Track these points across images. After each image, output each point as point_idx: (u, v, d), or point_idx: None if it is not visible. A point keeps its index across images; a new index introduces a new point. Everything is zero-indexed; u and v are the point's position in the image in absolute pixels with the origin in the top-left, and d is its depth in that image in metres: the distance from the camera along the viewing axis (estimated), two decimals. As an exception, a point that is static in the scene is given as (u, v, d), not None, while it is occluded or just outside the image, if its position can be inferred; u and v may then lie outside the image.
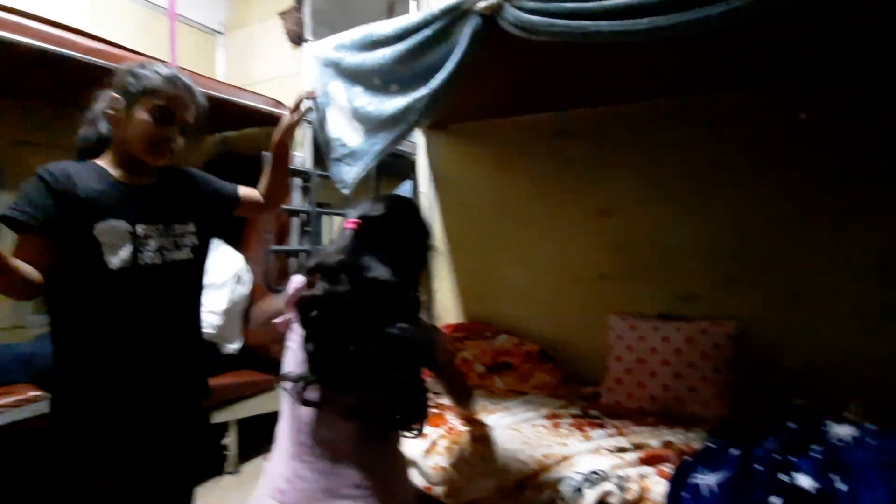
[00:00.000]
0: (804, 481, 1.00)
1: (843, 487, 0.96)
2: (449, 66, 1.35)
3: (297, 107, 1.35)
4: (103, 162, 1.05)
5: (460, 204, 2.24)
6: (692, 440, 1.36)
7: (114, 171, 1.03)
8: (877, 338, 1.48)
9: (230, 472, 2.09)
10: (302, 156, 2.42)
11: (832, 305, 1.54)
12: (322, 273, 0.90)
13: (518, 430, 1.42)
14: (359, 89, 1.60)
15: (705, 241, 1.70)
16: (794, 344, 1.57)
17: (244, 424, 2.15)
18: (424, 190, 2.32)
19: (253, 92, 2.32)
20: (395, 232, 0.96)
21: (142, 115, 1.00)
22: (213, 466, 2.07)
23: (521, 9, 1.22)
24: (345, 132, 1.61)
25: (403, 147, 2.66)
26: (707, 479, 1.06)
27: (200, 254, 1.14)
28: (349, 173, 1.58)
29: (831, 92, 1.51)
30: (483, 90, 1.75)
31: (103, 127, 1.06)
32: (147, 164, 1.05)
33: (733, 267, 1.66)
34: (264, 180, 1.33)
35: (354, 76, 1.61)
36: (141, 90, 1.01)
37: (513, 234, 2.09)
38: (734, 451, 1.09)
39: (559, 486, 1.18)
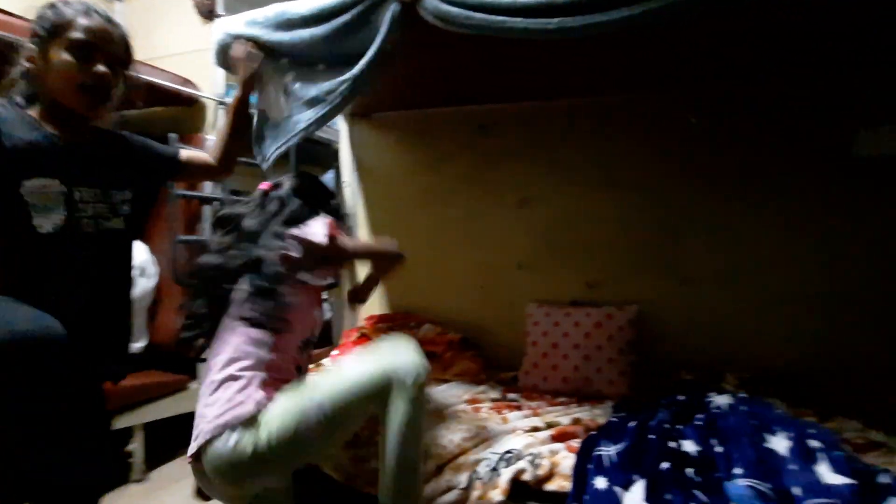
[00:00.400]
0: (689, 447, 1.12)
1: (720, 450, 1.09)
2: (371, 52, 1.32)
3: (248, 56, 1.31)
4: (35, 113, 0.91)
5: (384, 194, 2.22)
6: (598, 416, 1.48)
7: (46, 126, 0.90)
8: (749, 316, 1.69)
9: (137, 481, 1.94)
10: (213, 138, 2.27)
11: (714, 290, 1.73)
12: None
13: (439, 416, 1.45)
14: (284, 62, 1.53)
15: (610, 232, 1.84)
16: (683, 324, 1.75)
17: (152, 429, 2.00)
18: (347, 179, 2.27)
19: (156, 67, 2.13)
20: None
21: (60, 55, 0.88)
22: (118, 474, 1.91)
23: (439, -1, 1.22)
24: (270, 105, 1.53)
25: (326, 135, 2.58)
26: (609, 451, 1.14)
27: (133, 225, 1.03)
28: (269, 147, 1.51)
29: (721, 95, 1.68)
30: (407, 80, 1.74)
31: (24, 86, 0.92)
32: (82, 120, 0.93)
33: (633, 256, 1.82)
34: (218, 141, 1.24)
35: (280, 50, 1.53)
36: (52, 27, 0.88)
37: (436, 225, 2.11)
38: (631, 424, 1.19)
39: (476, 467, 1.22)
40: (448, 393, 1.67)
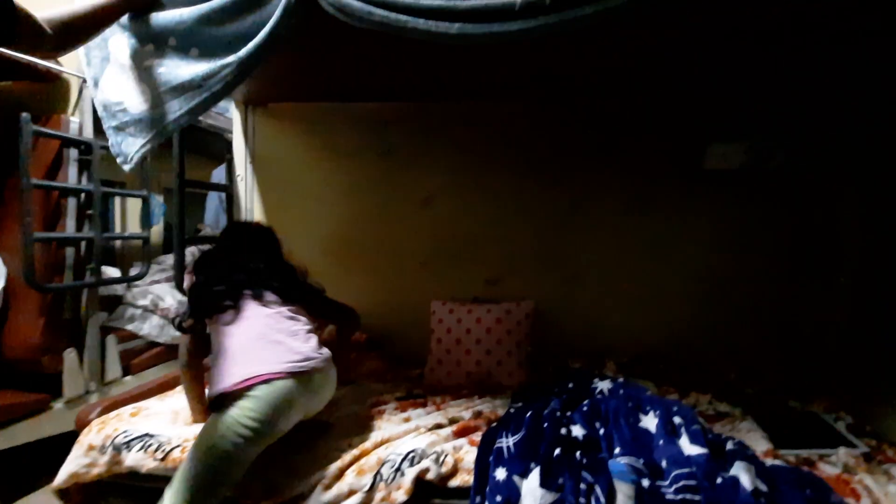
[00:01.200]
0: (577, 431, 1.21)
1: (603, 431, 1.20)
2: (260, 37, 1.23)
3: None
4: None
5: (282, 189, 2.11)
6: (498, 407, 1.54)
7: None
8: (624, 308, 1.90)
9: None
10: (78, 120, 1.98)
11: (596, 284, 1.92)
12: None
13: (345, 418, 1.42)
14: (150, 48, 1.36)
15: (508, 231, 1.95)
16: (571, 316, 1.91)
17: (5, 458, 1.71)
18: (241, 172, 2.11)
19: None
20: None
21: None
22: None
23: (341, -10, 1.18)
24: (127, 96, 1.35)
25: (217, 122, 2.38)
26: (507, 442, 1.20)
27: None
28: (131, 145, 1.33)
29: (604, 111, 1.86)
30: (306, 70, 1.66)
31: None
32: None
33: (528, 253, 1.94)
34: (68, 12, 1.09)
35: (144, 32, 1.36)
36: None
37: (339, 223, 2.06)
38: (527, 414, 1.26)
39: (380, 468, 1.22)
40: (353, 394, 1.64)
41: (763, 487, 0.98)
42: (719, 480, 1.00)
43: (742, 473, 1.01)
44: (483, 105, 1.90)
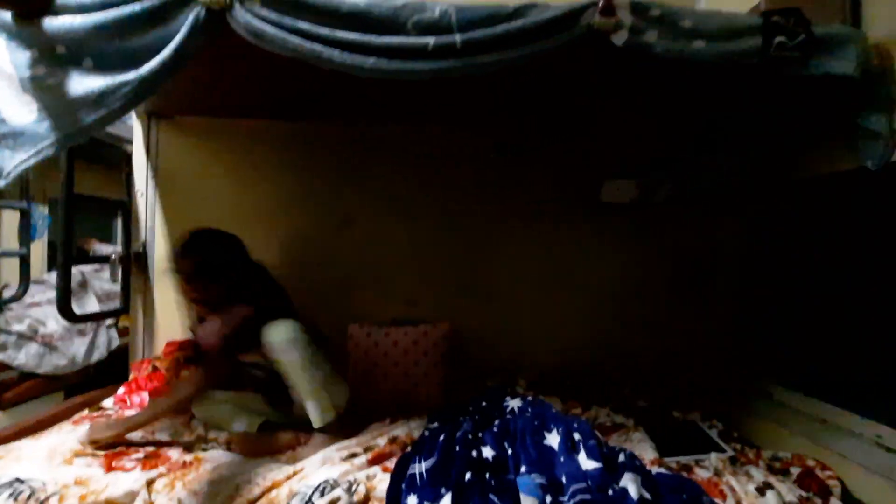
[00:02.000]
0: (487, 452, 1.26)
1: (510, 451, 1.26)
2: (164, 55, 1.17)
3: None
4: None
5: (189, 206, 1.98)
6: (414, 430, 1.55)
7: None
8: (534, 328, 2.02)
9: None
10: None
11: (509, 305, 2.02)
12: None
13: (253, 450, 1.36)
14: (35, 54, 1.24)
15: (426, 253, 2.00)
16: (486, 336, 1.99)
17: None
18: (141, 188, 1.96)
19: None
20: None
21: None
22: None
23: (253, 13, 1.15)
24: (7, 105, 1.22)
25: (116, 130, 2.19)
26: (420, 468, 1.22)
27: None
28: (9, 160, 1.19)
29: (517, 143, 1.99)
30: (216, 84, 1.59)
31: None
32: None
33: (444, 276, 2.00)
34: None
35: (27, 37, 1.24)
36: None
37: (253, 243, 1.96)
38: (441, 438, 1.29)
39: (290, 501, 1.18)
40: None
41: (647, 496, 1.09)
42: (610, 492, 1.09)
43: (630, 484, 1.11)
44: (402, 129, 1.94)
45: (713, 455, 1.38)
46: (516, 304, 2.02)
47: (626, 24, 1.11)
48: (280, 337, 1.44)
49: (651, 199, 1.84)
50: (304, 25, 1.14)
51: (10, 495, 1.14)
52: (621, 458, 1.24)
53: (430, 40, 1.10)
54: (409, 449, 1.37)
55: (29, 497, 1.14)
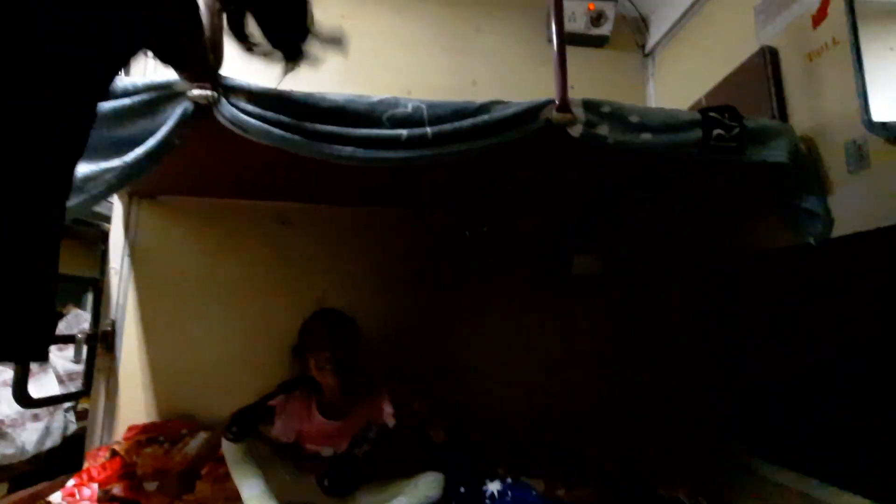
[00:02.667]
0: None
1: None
2: (150, 144, 1.24)
3: None
4: None
5: (162, 283, 1.96)
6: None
7: None
8: (512, 401, 1.99)
9: None
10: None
11: (485, 380, 2.01)
12: None
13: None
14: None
15: (400, 331, 1.99)
16: (463, 412, 1.93)
17: None
18: (116, 266, 1.95)
19: None
20: None
21: None
22: None
23: (237, 108, 1.24)
24: None
25: (96, 208, 2.22)
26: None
27: None
28: None
29: (488, 224, 2.08)
30: (198, 169, 1.66)
31: None
32: None
33: (414, 347, 1.99)
34: None
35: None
36: None
37: (225, 320, 1.95)
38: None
39: None
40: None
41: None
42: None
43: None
44: (376, 210, 2.03)
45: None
46: (492, 379, 2.00)
47: (580, 119, 1.23)
48: None
49: (614, 271, 1.94)
50: (286, 119, 1.22)
51: None
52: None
53: (404, 132, 1.20)
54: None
55: None
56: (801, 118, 1.48)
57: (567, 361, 2.03)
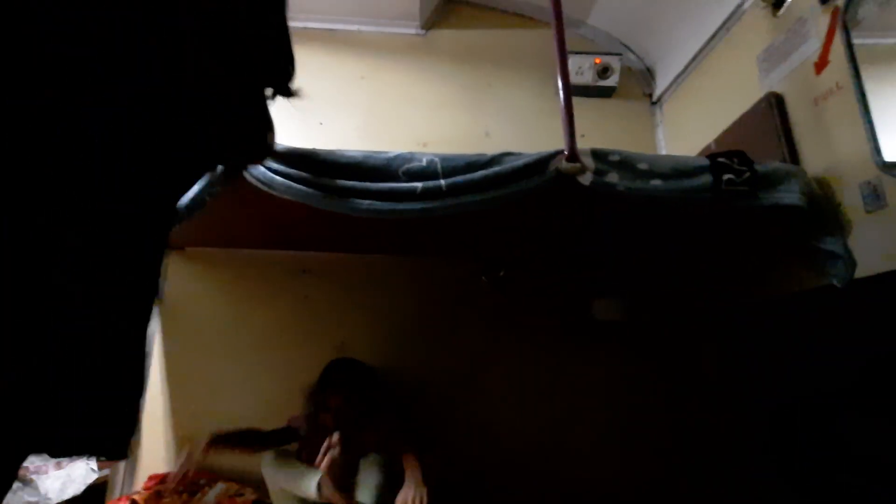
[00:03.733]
0: None
1: None
2: (183, 201, 1.32)
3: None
4: None
5: (187, 333, 2.02)
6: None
7: None
8: (542, 457, 1.92)
9: None
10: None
11: (509, 433, 1.96)
12: None
13: None
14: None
15: (415, 375, 1.99)
16: (486, 469, 1.89)
17: None
18: (145, 314, 2.02)
19: None
20: None
21: None
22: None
23: (266, 167, 1.32)
24: None
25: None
26: None
27: None
28: None
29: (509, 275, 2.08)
30: (227, 222, 1.74)
31: None
32: None
33: (433, 397, 1.98)
34: None
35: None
36: None
37: (247, 369, 1.98)
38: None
39: None
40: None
41: None
42: None
43: None
44: (396, 259, 2.07)
45: None
46: (513, 426, 1.95)
47: (590, 168, 1.27)
48: None
49: (637, 316, 1.90)
50: (308, 176, 1.30)
51: None
52: None
53: (419, 185, 1.25)
54: None
55: None
56: (813, 161, 1.49)
57: (590, 408, 1.98)
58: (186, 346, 2.01)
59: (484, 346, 2.05)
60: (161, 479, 1.82)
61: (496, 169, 1.26)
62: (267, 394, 1.96)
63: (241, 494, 1.78)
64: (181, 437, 1.94)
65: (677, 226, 1.63)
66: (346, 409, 1.63)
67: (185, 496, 1.74)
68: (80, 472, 2.69)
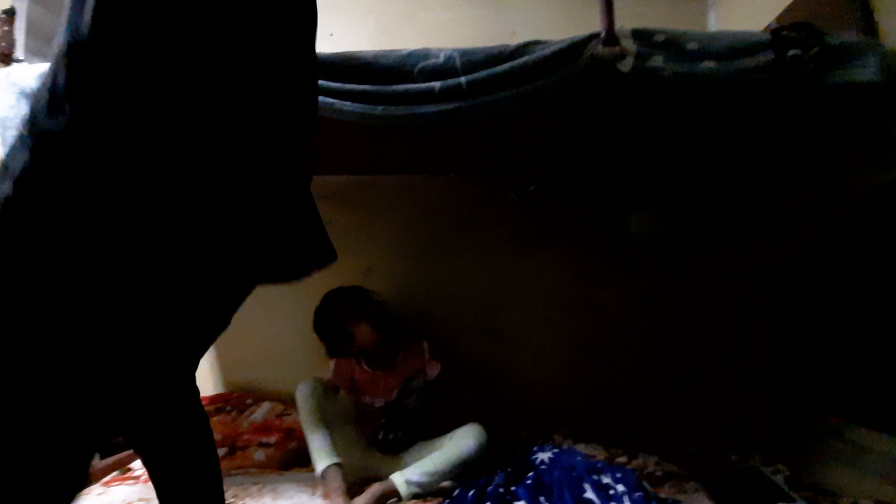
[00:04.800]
0: (521, 508, 1.17)
1: (547, 505, 1.15)
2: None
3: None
4: None
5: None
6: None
7: None
8: (570, 370, 1.90)
9: None
10: None
11: (538, 348, 1.93)
12: None
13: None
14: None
15: (444, 297, 1.95)
16: (516, 385, 1.88)
17: None
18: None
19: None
20: None
21: None
22: None
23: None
24: None
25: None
26: (449, 525, 1.14)
27: None
28: None
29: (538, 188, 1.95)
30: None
31: None
32: None
33: (464, 317, 1.94)
34: None
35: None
36: None
37: (279, 297, 1.98)
38: (471, 493, 1.21)
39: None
40: (294, 484, 1.51)
41: (706, 554, 0.96)
42: (662, 550, 0.97)
43: (684, 541, 0.99)
44: (420, 178, 1.97)
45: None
46: (545, 347, 1.92)
47: (630, 51, 1.11)
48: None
49: (677, 232, 1.77)
50: (318, 82, 1.19)
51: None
52: (672, 510, 1.11)
53: (437, 84, 1.14)
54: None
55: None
56: (893, 33, 1.27)
57: (626, 326, 1.91)
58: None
59: (512, 264, 1.97)
60: (209, 401, 1.91)
61: (522, 60, 1.12)
62: (300, 319, 1.97)
63: (288, 414, 1.86)
64: (223, 357, 2.03)
65: (727, 120, 1.45)
66: (371, 335, 1.60)
67: (233, 413, 1.83)
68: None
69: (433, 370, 1.67)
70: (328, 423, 1.51)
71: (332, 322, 1.60)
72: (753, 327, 1.85)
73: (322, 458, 1.42)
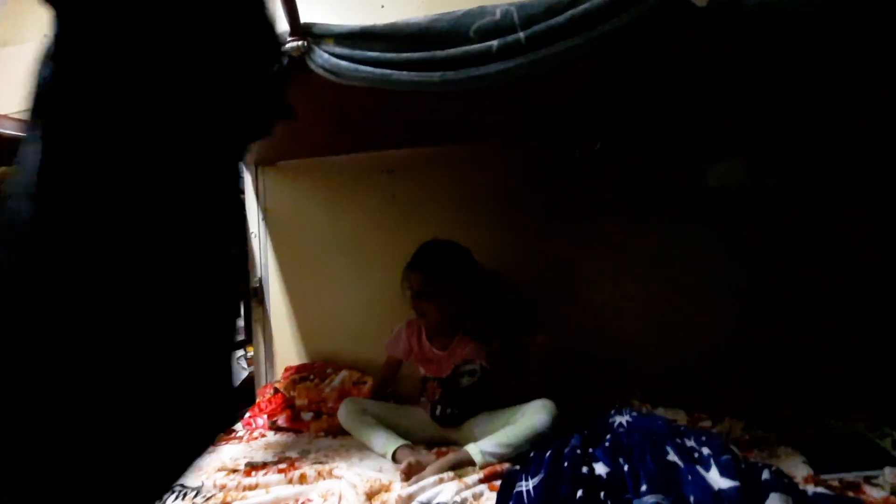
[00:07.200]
0: (600, 469, 1.16)
1: (626, 468, 1.14)
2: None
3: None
4: None
5: (294, 241, 2.17)
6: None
7: None
8: (647, 333, 1.84)
9: None
10: None
11: (614, 311, 1.88)
12: None
13: (361, 475, 1.39)
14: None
15: (514, 262, 1.94)
16: (592, 347, 1.85)
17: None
18: (254, 230, 2.19)
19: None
20: None
21: None
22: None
23: (329, 53, 1.24)
24: None
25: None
26: (527, 485, 1.16)
27: None
28: None
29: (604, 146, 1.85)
30: (308, 129, 1.73)
31: None
32: None
33: (538, 284, 1.92)
34: None
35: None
36: None
37: (348, 268, 2.10)
38: (548, 454, 1.21)
39: (400, 522, 1.18)
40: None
41: (803, 520, 0.91)
42: (754, 515, 0.93)
43: (778, 506, 0.94)
44: (482, 147, 1.94)
45: (888, 470, 1.12)
46: (621, 310, 1.86)
47: (707, -16, 1.00)
48: None
49: (760, 185, 1.61)
50: (372, 54, 1.19)
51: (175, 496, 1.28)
52: (765, 475, 1.06)
53: (495, 43, 1.09)
54: (515, 467, 1.31)
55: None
56: None
57: (707, 286, 1.80)
58: (296, 253, 2.17)
59: (581, 227, 1.91)
60: (294, 370, 2.06)
61: (583, 7, 1.05)
62: (371, 290, 2.07)
63: (364, 382, 1.96)
64: (304, 331, 2.16)
65: (817, 59, 1.28)
66: (428, 289, 1.64)
67: (316, 381, 1.96)
68: (236, 369, 3.22)
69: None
70: (381, 420, 1.58)
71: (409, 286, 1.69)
72: (853, 286, 1.68)
73: (389, 444, 1.47)
